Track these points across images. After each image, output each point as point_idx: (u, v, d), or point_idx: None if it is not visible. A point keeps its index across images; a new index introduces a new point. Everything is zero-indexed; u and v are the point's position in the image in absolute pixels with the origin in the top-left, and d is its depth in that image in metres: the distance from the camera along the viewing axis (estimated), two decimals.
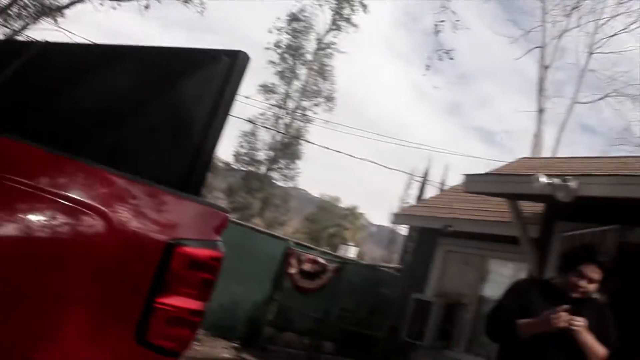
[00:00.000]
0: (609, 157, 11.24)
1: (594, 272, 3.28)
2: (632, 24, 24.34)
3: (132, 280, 2.20)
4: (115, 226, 2.13)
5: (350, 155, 50.26)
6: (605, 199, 5.36)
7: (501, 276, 8.12)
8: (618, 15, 24.48)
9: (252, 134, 32.05)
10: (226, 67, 2.63)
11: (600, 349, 3.22)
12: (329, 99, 33.05)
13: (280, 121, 32.51)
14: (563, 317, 3.11)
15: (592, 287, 3.30)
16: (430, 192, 30.11)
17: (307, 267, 11.27)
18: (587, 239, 5.57)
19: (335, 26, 33.07)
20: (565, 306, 3.13)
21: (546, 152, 22.99)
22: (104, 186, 2.21)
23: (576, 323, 3.11)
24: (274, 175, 32.34)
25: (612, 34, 24.70)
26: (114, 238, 2.14)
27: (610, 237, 5.46)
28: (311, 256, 11.52)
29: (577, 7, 24.53)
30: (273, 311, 11.17)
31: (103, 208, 2.13)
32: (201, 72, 2.73)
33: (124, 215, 2.17)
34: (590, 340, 3.19)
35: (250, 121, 31.14)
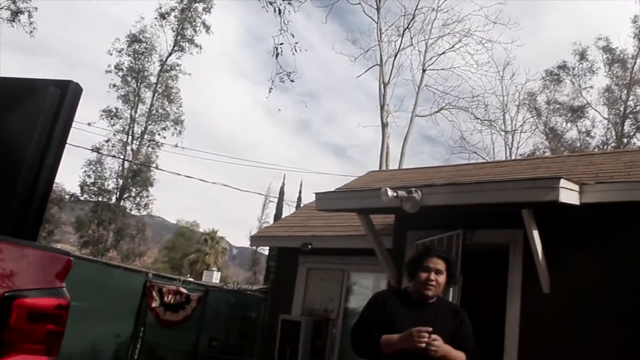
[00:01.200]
0: (449, 166, 12.07)
1: (437, 263, 3.51)
2: (456, 43, 26.68)
3: None
4: None
5: (202, 179, 49.66)
6: (447, 206, 5.73)
7: (363, 288, 8.36)
8: (444, 35, 26.75)
9: (99, 162, 30.39)
10: (56, 99, 2.47)
11: (460, 356, 3.38)
12: (178, 122, 32.30)
13: (128, 147, 31.14)
14: (423, 339, 3.23)
15: (440, 278, 3.51)
16: (288, 211, 30.54)
17: (169, 299, 10.86)
18: (435, 244, 5.92)
19: (178, 47, 32.48)
20: (425, 328, 3.26)
21: (393, 164, 24.31)
22: None
23: (434, 344, 3.25)
24: (126, 204, 30.83)
25: (440, 52, 26.86)
26: None
27: (456, 241, 5.85)
28: (173, 287, 11.13)
29: (408, 28, 26.43)
30: (139, 349, 10.63)
31: None
32: (27, 106, 2.52)
33: None
34: (449, 351, 3.33)
35: (95, 150, 29.56)
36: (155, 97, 32.16)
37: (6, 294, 2.05)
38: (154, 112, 31.98)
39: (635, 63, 30.08)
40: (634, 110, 30.12)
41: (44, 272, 2.27)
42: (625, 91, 30.32)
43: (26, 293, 2.12)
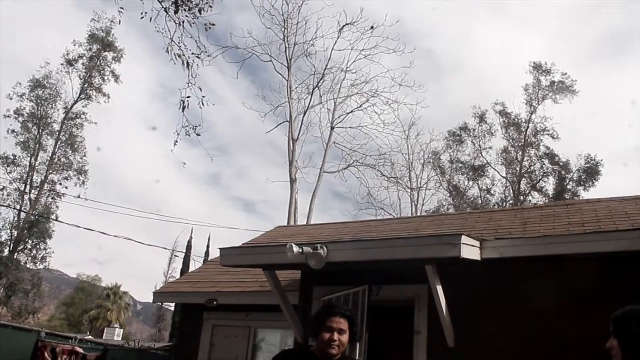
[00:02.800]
0: (356, 222, 12.19)
1: (339, 322, 3.45)
2: (364, 102, 27.58)
3: None
4: None
5: (103, 232, 47.65)
6: (352, 262, 5.73)
7: (270, 345, 8.15)
8: (353, 94, 27.62)
9: None
10: None
11: None
12: (81, 172, 30.92)
13: (25, 197, 29.43)
14: None
15: (343, 337, 3.44)
16: (194, 266, 29.75)
17: (63, 359, 10.16)
18: (341, 301, 5.87)
19: (85, 95, 31.48)
20: None
21: (302, 219, 24.39)
22: None
23: None
24: (21, 257, 28.87)
25: (349, 111, 27.63)
26: None
27: (361, 296, 5.83)
28: (68, 346, 10.45)
29: (317, 87, 27.16)
30: None
31: None
32: None
33: None
34: None
35: None
36: (57, 145, 30.79)
37: None
38: (55, 160, 30.54)
39: (527, 127, 32.33)
40: (529, 170, 32.15)
41: None
42: (520, 152, 32.38)
43: None
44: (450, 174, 33.21)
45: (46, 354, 10.03)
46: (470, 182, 33.12)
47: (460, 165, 33.18)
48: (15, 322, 14.26)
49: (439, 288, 5.54)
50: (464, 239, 5.23)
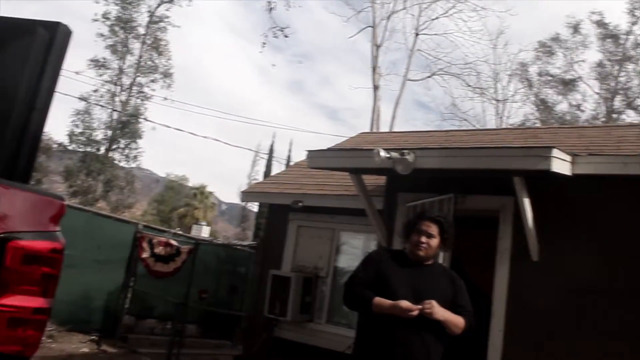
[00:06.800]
0: (441, 131, 12.07)
1: (429, 226, 3.60)
2: (450, 9, 26.37)
3: None
4: None
5: (192, 133, 49.34)
6: (439, 170, 5.75)
7: (353, 247, 8.43)
8: (438, 0, 26.37)
9: (87, 112, 29.84)
10: (45, 40, 2.41)
11: (458, 320, 3.47)
12: (167, 75, 31.66)
13: (116, 98, 30.65)
14: (413, 311, 3.32)
15: (432, 241, 3.57)
16: (277, 169, 30.56)
17: (160, 250, 10.95)
18: (426, 208, 5.96)
19: None
20: (415, 306, 3.33)
21: (384, 128, 24.28)
22: None
23: (426, 310, 3.33)
24: (115, 155, 30.54)
25: (434, 17, 26.55)
26: None
27: (447, 205, 5.89)
28: (163, 239, 11.20)
29: None
30: (130, 299, 10.75)
31: None
32: (14, 46, 2.45)
33: None
34: (447, 316, 3.41)
35: (83, 99, 29.10)
36: (143, 49, 31.50)
37: (0, 235, 2.05)
38: (142, 64, 31.37)
39: (627, 39, 29.89)
40: (625, 86, 30.07)
41: (38, 216, 2.27)
42: (616, 67, 30.22)
43: (20, 235, 2.12)
44: (539, 87, 31.69)
45: (144, 244, 10.82)
46: (560, 97, 31.53)
47: (550, 78, 31.43)
48: (114, 215, 15.34)
49: (526, 201, 5.49)
50: (555, 152, 5.12)
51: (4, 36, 2.48)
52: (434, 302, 3.35)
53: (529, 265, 5.76)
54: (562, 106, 31.57)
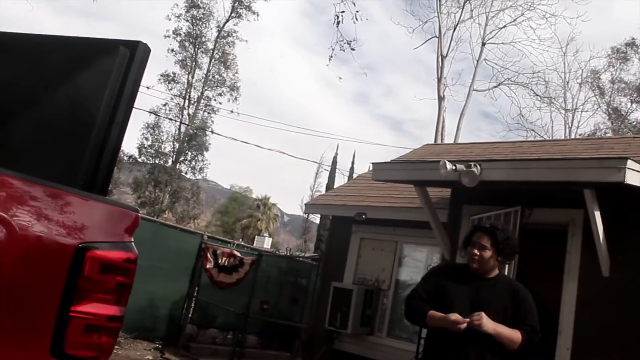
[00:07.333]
0: (507, 142, 11.80)
1: (481, 237, 3.52)
2: (519, 17, 25.80)
3: (42, 289, 2.08)
4: (17, 232, 1.99)
5: (258, 146, 50.07)
6: (506, 182, 5.63)
7: (416, 260, 8.36)
8: (506, 8, 25.89)
9: (156, 125, 30.99)
10: (125, 58, 2.53)
11: (513, 334, 3.34)
12: (233, 88, 32.49)
13: (185, 112, 31.66)
14: (461, 325, 3.28)
15: (485, 253, 3.48)
16: (340, 180, 30.62)
17: (223, 261, 11.11)
18: (492, 220, 5.83)
19: (235, 14, 32.50)
20: (463, 319, 3.29)
21: (449, 139, 23.96)
22: (0, 189, 2.05)
23: (475, 322, 3.26)
24: (182, 167, 31.49)
25: (501, 25, 26.07)
26: (17, 245, 2.00)
27: (513, 218, 5.75)
28: (227, 250, 11.37)
29: (468, 0, 25.59)
30: (193, 308, 10.98)
31: (1, 213, 1.98)
32: (98, 65, 2.59)
33: (25, 219, 2.03)
34: (499, 330, 3.31)
35: (153, 112, 30.20)
36: (212, 63, 32.47)
37: (80, 245, 2.13)
38: (210, 77, 32.31)
39: None
40: None
41: (114, 227, 2.35)
42: None
43: (98, 245, 2.20)
44: (611, 95, 30.50)
45: (209, 255, 11.03)
46: (634, 105, 30.26)
47: (623, 85, 30.22)
48: (180, 226, 15.72)
49: (597, 214, 5.30)
50: (630, 163, 4.92)
51: (89, 55, 2.63)
52: (482, 315, 3.27)
53: (599, 280, 5.54)
54: (636, 114, 30.36)
